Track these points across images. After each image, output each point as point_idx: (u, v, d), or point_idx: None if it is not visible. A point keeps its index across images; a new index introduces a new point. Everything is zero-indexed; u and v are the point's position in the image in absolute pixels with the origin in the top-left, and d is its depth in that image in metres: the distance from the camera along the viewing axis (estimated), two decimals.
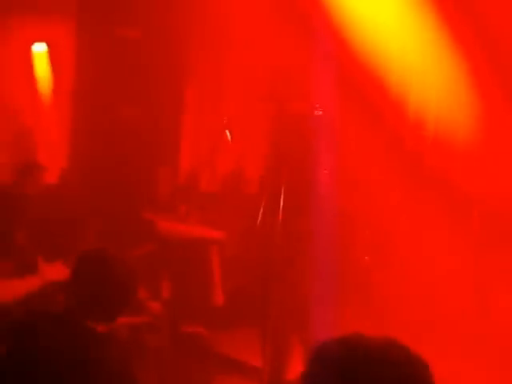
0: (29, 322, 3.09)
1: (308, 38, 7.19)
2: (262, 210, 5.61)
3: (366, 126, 7.84)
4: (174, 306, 6.27)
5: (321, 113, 5.61)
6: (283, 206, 5.33)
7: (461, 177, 7.71)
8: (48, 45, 11.20)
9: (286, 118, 5.64)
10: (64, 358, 2.91)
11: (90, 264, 3.19)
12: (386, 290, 7.99)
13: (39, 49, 11.20)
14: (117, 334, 3.87)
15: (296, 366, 5.17)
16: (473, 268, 7.76)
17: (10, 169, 9.32)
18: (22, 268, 4.03)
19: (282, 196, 5.31)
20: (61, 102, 10.63)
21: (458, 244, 7.58)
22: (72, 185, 8.05)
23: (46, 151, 10.62)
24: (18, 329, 3.08)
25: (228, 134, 6.56)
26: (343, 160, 5.79)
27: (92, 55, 8.76)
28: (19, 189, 7.20)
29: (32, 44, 11.15)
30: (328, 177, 5.45)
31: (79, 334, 3.01)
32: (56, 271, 3.63)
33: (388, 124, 8.12)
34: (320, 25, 7.25)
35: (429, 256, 7.83)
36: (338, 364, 1.80)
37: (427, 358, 1.78)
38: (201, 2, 8.84)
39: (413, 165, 7.99)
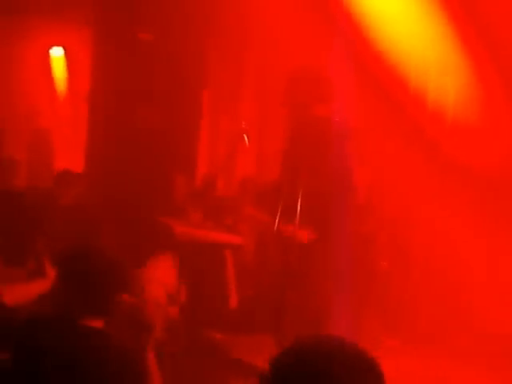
0: (29, 326, 3.11)
1: (327, 38, 7.17)
2: (278, 214, 5.58)
3: (386, 120, 7.82)
4: (191, 310, 6.25)
5: (338, 119, 5.58)
6: (300, 210, 5.30)
7: (480, 166, 7.66)
8: (65, 49, 11.31)
9: (304, 121, 5.60)
10: (64, 359, 2.92)
11: (72, 260, 3.19)
12: (403, 295, 7.97)
13: (56, 53, 11.30)
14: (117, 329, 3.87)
15: None
16: (496, 270, 7.70)
17: (25, 169, 9.36)
18: (38, 274, 4.06)
19: (300, 200, 5.29)
20: (77, 106, 10.69)
21: (479, 245, 7.54)
22: (87, 188, 8.04)
23: (63, 153, 10.69)
24: (19, 334, 3.09)
25: (246, 138, 6.52)
26: (362, 161, 5.76)
27: (109, 59, 8.78)
28: (52, 196, 7.20)
29: (50, 48, 11.26)
30: (347, 180, 5.41)
31: (76, 333, 3.01)
32: None
33: (408, 117, 8.09)
34: (340, 25, 7.24)
35: (448, 258, 7.78)
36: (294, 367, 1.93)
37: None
38: (219, 4, 8.84)
39: (432, 158, 7.92)
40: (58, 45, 11.25)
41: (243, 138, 6.72)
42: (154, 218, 6.85)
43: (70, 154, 10.43)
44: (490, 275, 7.67)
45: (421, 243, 8.03)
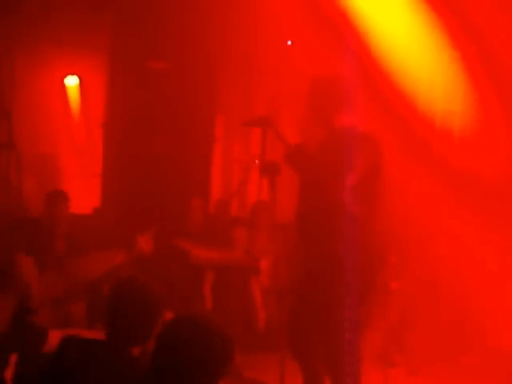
0: (69, 345, 3.21)
1: (336, 63, 7.29)
2: (294, 239, 5.60)
3: (395, 140, 7.90)
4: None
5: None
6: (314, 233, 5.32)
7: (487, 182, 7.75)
8: (80, 78, 11.45)
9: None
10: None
11: (122, 292, 3.29)
12: (411, 312, 7.98)
13: (71, 82, 11.45)
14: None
15: None
16: (505, 288, 7.70)
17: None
18: None
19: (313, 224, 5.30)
20: (92, 133, 10.84)
21: (489, 263, 7.55)
22: (104, 215, 8.13)
23: (78, 181, 10.79)
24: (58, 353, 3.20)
25: (257, 163, 6.66)
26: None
27: (123, 87, 8.93)
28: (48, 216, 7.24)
29: (65, 77, 11.41)
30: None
31: (119, 361, 3.11)
32: None
33: (416, 133, 8.19)
34: (350, 50, 7.35)
35: (457, 276, 7.80)
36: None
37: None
38: (229, 32, 8.99)
39: (441, 178, 7.98)
40: (73, 73, 11.41)
41: (255, 162, 6.85)
42: (171, 242, 6.96)
43: (84, 181, 10.56)
44: (499, 293, 7.66)
45: (430, 263, 8.05)
